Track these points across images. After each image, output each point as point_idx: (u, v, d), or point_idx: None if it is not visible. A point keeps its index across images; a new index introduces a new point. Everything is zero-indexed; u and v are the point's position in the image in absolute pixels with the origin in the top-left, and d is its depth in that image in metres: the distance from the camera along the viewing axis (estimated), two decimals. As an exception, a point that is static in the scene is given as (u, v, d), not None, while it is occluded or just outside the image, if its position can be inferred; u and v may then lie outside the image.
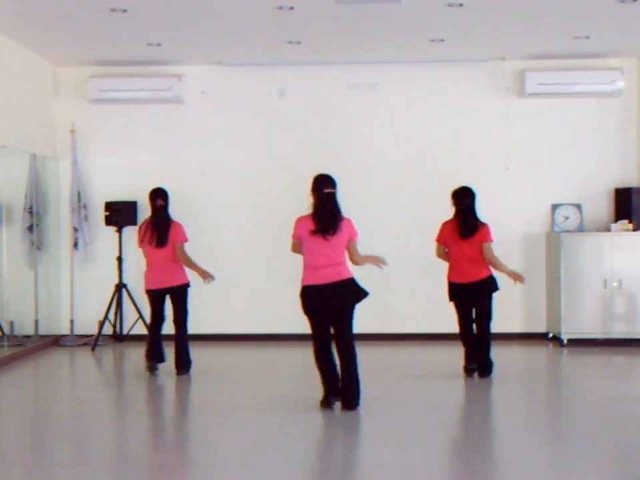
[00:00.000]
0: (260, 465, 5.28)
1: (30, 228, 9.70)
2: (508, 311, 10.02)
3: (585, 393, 7.45)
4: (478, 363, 7.81)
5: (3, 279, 9.23)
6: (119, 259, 9.79)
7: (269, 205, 9.96)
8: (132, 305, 9.63)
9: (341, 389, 6.52)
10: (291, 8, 7.69)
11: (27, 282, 9.84)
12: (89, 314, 10.06)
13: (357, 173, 10.02)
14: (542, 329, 10.06)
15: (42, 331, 9.89)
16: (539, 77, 9.75)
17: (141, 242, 8.06)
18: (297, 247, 6.60)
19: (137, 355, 8.90)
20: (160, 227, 7.96)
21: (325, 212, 6.45)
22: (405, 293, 10.02)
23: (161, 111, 10.11)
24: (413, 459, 5.46)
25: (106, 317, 9.71)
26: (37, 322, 9.87)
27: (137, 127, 10.14)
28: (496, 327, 9.87)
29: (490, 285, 7.79)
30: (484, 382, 7.72)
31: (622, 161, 10.03)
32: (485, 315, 7.82)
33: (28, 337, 9.75)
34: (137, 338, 9.50)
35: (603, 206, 10.01)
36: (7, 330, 9.44)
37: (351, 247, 6.55)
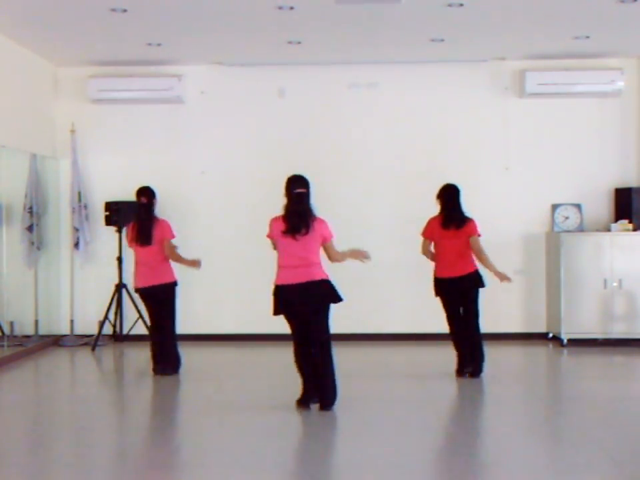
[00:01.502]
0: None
1: (30, 228, 9.71)
2: (508, 311, 10.03)
3: (584, 393, 7.45)
4: (470, 363, 7.82)
5: (3, 279, 9.22)
6: (119, 259, 9.78)
7: (268, 204, 9.93)
8: (132, 305, 9.62)
9: (316, 389, 6.54)
10: (291, 8, 7.69)
11: (26, 282, 9.84)
12: (89, 314, 10.06)
13: (356, 173, 10.03)
14: (542, 329, 10.06)
15: (42, 331, 9.89)
16: (539, 76, 9.75)
17: (130, 241, 8.08)
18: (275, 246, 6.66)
19: (137, 355, 8.90)
20: (144, 225, 7.98)
21: (294, 212, 6.50)
22: (400, 292, 10.01)
23: (161, 111, 10.11)
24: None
25: (106, 317, 9.70)
26: (37, 322, 9.87)
27: (137, 127, 10.14)
28: (496, 327, 9.96)
29: (476, 280, 7.81)
30: (483, 382, 7.72)
31: (622, 161, 10.02)
32: (473, 313, 7.80)
33: (28, 336, 9.75)
34: (137, 338, 9.50)
35: (603, 206, 10.01)
36: (7, 330, 9.44)
37: (327, 248, 6.58)
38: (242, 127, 10.10)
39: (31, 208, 9.70)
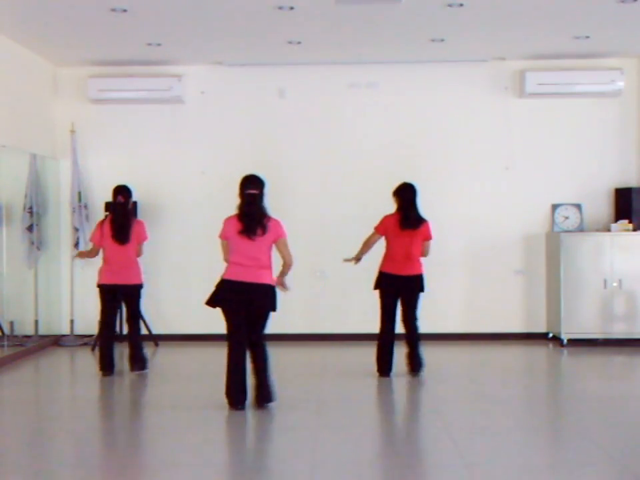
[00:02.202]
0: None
1: (30, 228, 9.71)
2: (508, 311, 10.04)
3: (585, 393, 7.45)
4: (410, 359, 7.85)
5: (3, 279, 9.23)
6: (119, 259, 9.78)
7: (268, 204, 9.94)
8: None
9: (256, 386, 6.62)
10: (291, 8, 7.69)
11: (26, 282, 9.85)
12: (89, 314, 10.04)
13: (355, 173, 10.03)
14: (542, 329, 10.06)
15: (42, 331, 9.89)
16: (539, 76, 9.75)
17: (100, 237, 8.13)
18: (226, 248, 6.67)
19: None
20: (122, 224, 8.07)
21: (250, 213, 6.58)
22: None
23: (161, 111, 10.11)
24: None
25: (106, 317, 9.69)
26: (36, 322, 9.88)
27: (137, 127, 10.14)
28: (496, 327, 9.98)
29: (422, 282, 7.86)
30: (482, 381, 7.72)
31: (622, 161, 10.03)
32: (414, 312, 7.86)
33: (28, 336, 9.75)
34: (137, 338, 9.49)
35: (602, 206, 10.01)
36: (7, 330, 9.44)
37: (281, 245, 6.68)
38: (242, 126, 10.11)
39: (31, 208, 9.70)
